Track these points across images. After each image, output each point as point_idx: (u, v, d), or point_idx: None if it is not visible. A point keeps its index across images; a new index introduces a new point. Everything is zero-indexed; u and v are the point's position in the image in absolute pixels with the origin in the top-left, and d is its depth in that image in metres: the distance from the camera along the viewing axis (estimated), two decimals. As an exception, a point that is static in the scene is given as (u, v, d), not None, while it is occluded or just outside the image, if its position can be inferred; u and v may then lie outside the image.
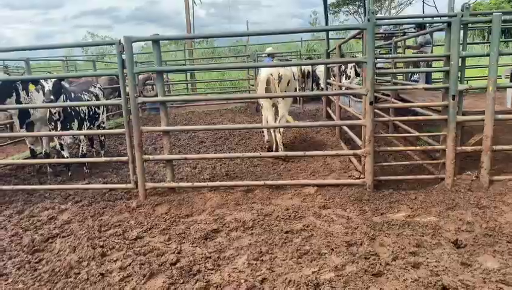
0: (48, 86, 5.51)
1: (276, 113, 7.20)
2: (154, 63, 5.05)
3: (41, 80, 5.75)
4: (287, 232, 3.90)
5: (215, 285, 3.03)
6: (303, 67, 13.44)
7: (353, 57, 12.84)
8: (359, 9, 35.87)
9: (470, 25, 5.68)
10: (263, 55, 12.80)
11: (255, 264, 3.32)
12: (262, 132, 8.50)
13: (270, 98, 7.02)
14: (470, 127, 5.33)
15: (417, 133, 6.07)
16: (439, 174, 5.07)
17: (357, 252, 3.42)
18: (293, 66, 10.37)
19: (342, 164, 6.23)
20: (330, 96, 9.87)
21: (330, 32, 11.84)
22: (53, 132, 6.00)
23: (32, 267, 3.53)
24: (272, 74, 6.85)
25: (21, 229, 4.36)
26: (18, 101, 6.03)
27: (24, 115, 6.17)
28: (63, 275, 3.33)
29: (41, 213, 4.82)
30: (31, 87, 5.98)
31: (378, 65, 9.48)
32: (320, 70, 12.61)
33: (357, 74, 11.34)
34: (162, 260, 3.47)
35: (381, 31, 12.11)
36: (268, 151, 7.36)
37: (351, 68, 11.71)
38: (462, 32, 4.75)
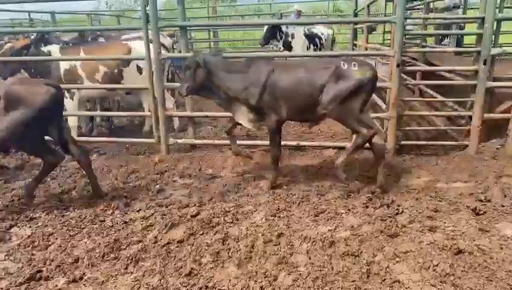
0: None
1: None
2: (178, 19, 5.01)
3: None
4: (304, 191, 3.96)
5: (233, 237, 3.14)
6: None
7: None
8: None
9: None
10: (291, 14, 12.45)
11: (273, 220, 3.41)
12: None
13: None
14: (500, 94, 5.15)
15: (443, 98, 5.91)
16: (463, 141, 4.98)
17: (374, 214, 3.46)
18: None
19: (363, 128, 6.17)
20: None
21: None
22: (77, 85, 6.11)
23: (60, 213, 3.71)
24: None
25: (49, 177, 4.54)
26: None
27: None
28: (89, 222, 3.50)
29: (68, 163, 4.99)
30: None
31: (407, 27, 9.08)
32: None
33: None
34: (183, 212, 3.60)
35: None
36: None
37: None
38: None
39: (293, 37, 9.11)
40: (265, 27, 9.08)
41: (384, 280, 2.60)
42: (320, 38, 9.76)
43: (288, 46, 9.07)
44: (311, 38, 9.54)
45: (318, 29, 9.79)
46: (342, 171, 3.83)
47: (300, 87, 3.73)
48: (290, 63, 4.36)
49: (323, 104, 3.68)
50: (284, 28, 9.04)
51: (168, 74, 6.23)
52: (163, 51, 5.12)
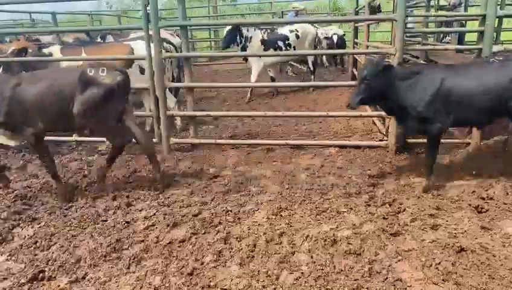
0: None
1: None
2: (178, 18, 5.00)
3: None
4: (306, 190, 3.96)
5: (235, 236, 3.14)
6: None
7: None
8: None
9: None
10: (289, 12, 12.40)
11: (274, 219, 3.40)
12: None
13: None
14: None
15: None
16: (465, 139, 4.97)
17: (376, 212, 3.45)
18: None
19: (364, 126, 6.17)
20: (357, 57, 9.60)
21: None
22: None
23: (63, 213, 3.72)
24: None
25: (50, 177, 4.55)
26: None
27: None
28: (91, 222, 3.51)
29: (70, 163, 5.01)
30: None
31: (409, 25, 9.04)
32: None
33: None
34: (184, 211, 3.60)
35: None
36: None
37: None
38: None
39: (250, 41, 8.41)
40: (226, 29, 8.46)
41: (387, 278, 2.60)
42: (286, 39, 8.72)
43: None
44: (271, 42, 8.62)
45: (285, 29, 8.85)
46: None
47: (46, 98, 3.64)
48: (40, 73, 4.13)
49: (74, 114, 3.63)
50: (244, 32, 8.32)
51: (172, 73, 6.21)
52: (163, 51, 5.12)
